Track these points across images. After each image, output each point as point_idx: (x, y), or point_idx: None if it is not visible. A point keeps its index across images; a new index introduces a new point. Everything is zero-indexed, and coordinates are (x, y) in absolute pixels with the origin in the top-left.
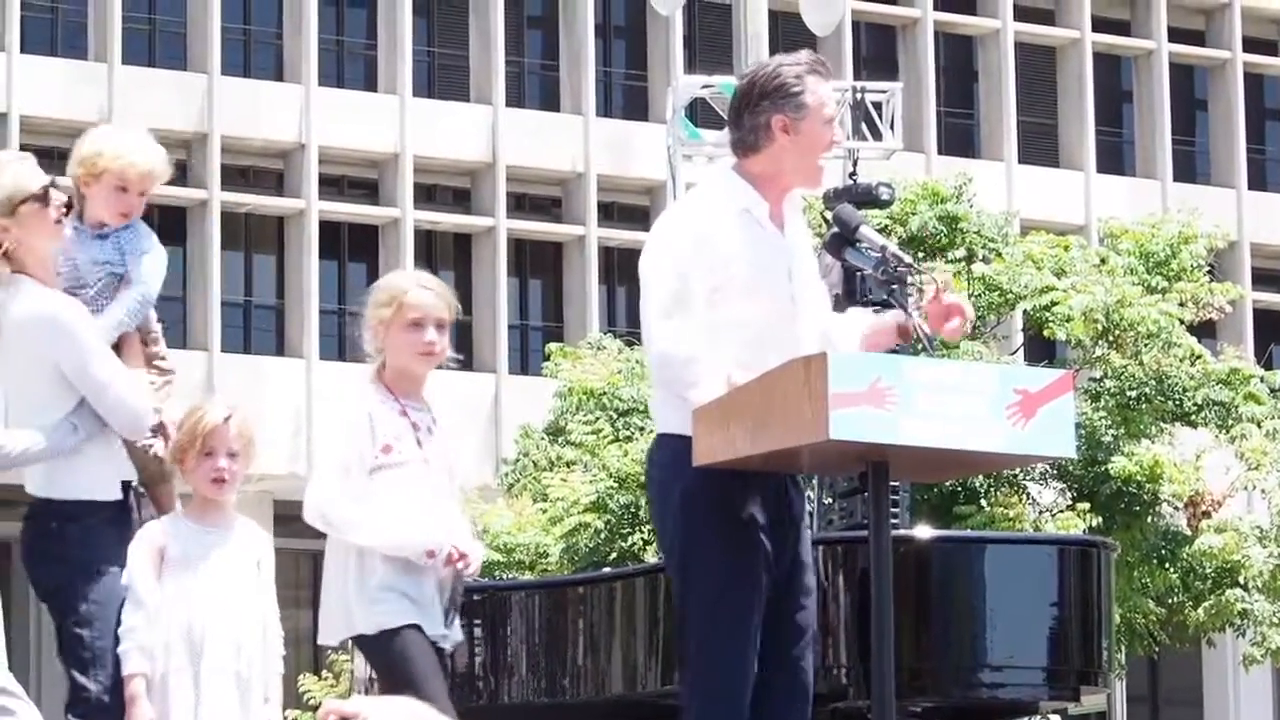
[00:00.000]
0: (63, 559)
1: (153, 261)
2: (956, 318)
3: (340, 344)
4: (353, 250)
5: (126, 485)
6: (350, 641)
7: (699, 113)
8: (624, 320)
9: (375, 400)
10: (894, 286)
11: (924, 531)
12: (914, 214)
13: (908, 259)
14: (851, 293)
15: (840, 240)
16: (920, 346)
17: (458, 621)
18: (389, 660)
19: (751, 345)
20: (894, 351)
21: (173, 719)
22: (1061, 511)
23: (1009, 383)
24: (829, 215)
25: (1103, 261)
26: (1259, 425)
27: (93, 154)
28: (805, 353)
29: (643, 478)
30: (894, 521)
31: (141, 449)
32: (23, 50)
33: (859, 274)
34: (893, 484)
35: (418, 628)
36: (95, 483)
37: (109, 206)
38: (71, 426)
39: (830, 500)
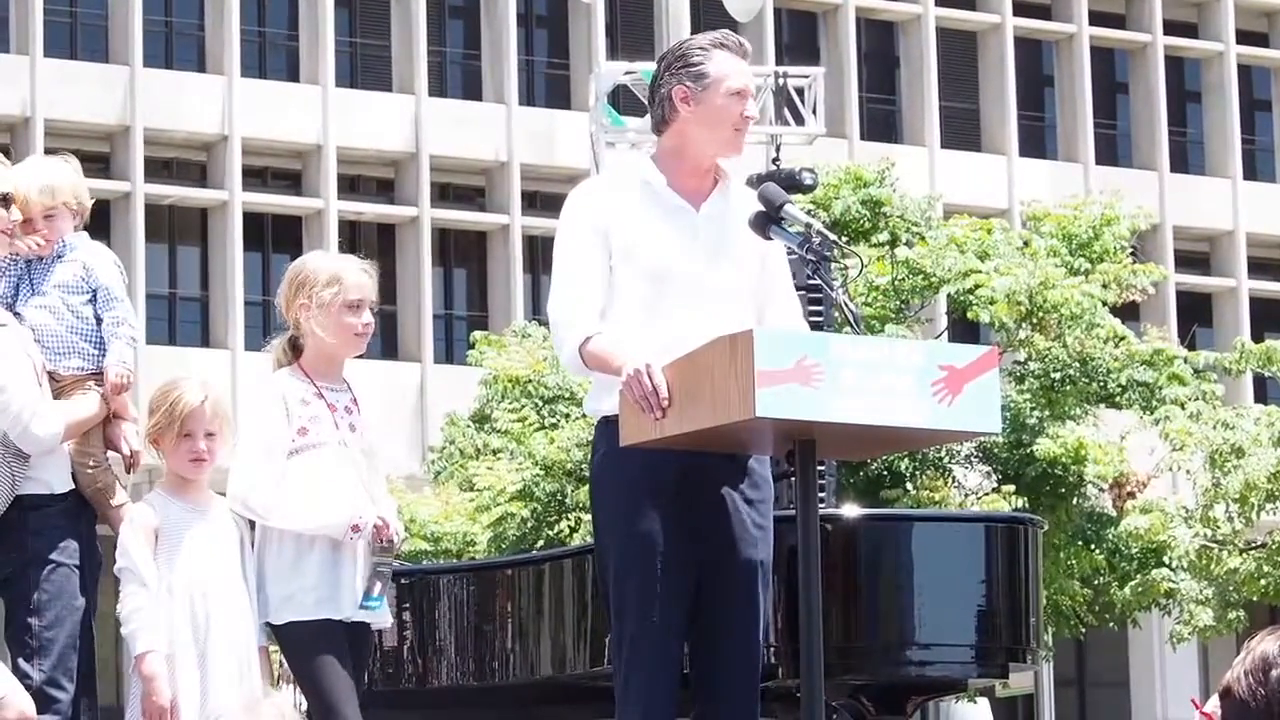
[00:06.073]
0: (20, 546)
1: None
2: None
3: (265, 335)
4: (277, 241)
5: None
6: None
7: (621, 100)
8: (548, 308)
9: (288, 383)
10: (819, 265)
11: (851, 510)
12: (837, 199)
13: (833, 237)
14: None
15: (765, 219)
16: (846, 324)
17: (387, 599)
18: (295, 651)
19: (653, 313)
20: (820, 329)
21: (180, 699)
22: (987, 494)
23: (935, 359)
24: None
25: (1026, 244)
26: (1183, 406)
27: None
28: (713, 323)
29: (568, 465)
30: (820, 502)
31: (79, 465)
32: None
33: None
34: (820, 467)
35: (328, 620)
36: (48, 476)
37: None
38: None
39: None
